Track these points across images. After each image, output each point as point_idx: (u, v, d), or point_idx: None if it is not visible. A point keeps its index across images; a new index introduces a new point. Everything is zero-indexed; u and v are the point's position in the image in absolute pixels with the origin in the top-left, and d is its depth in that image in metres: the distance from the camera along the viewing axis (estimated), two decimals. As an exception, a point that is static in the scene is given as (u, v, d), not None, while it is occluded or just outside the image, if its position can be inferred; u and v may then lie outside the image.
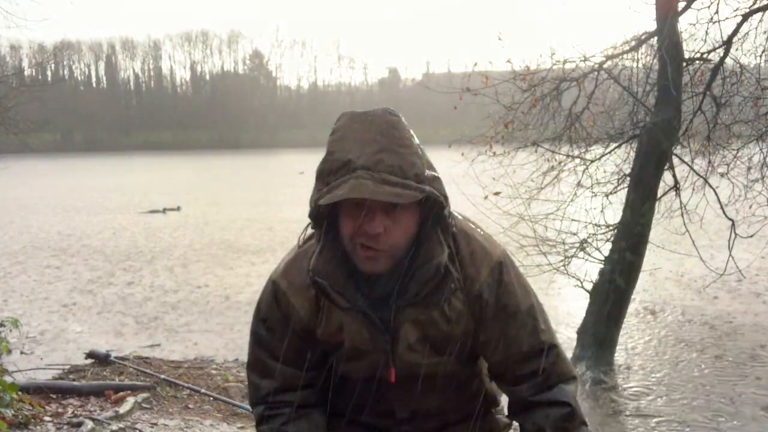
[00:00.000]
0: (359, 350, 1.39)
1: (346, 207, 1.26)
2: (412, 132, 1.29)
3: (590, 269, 6.00)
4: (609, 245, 5.74)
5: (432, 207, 1.30)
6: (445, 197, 1.30)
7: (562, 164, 6.35)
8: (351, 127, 1.26)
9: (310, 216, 1.31)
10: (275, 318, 1.42)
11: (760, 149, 6.24)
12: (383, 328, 1.35)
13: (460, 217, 1.45)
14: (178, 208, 18.53)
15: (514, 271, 1.43)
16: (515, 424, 1.58)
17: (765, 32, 5.96)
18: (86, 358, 5.42)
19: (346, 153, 1.22)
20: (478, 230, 1.45)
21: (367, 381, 1.43)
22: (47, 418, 3.83)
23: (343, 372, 1.45)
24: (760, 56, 6.00)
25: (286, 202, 19.76)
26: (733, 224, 5.92)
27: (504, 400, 1.60)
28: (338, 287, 1.32)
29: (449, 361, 1.41)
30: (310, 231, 1.41)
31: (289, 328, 1.41)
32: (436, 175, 1.29)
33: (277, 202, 19.89)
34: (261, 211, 18.15)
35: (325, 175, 1.25)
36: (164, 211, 18.15)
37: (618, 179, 6.21)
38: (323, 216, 1.31)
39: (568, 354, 5.74)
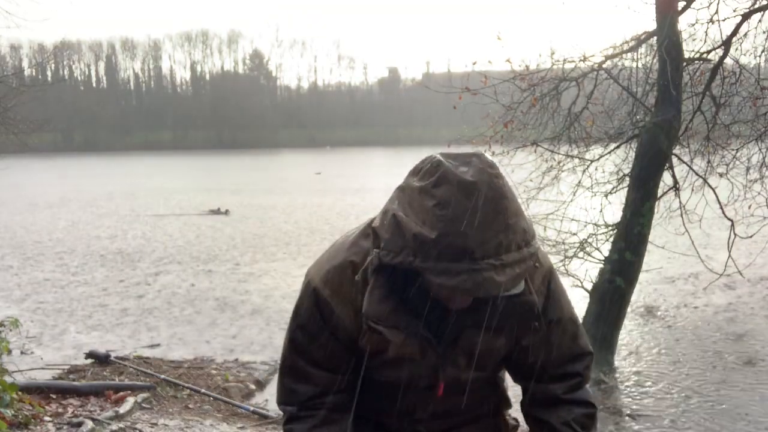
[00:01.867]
0: (403, 360, 1.38)
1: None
2: (509, 184, 1.22)
3: (590, 269, 6.00)
4: (609, 245, 5.74)
5: None
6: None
7: (562, 164, 6.36)
8: (461, 204, 1.15)
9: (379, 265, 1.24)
10: (316, 325, 1.39)
11: (759, 149, 6.24)
12: (437, 344, 1.35)
13: None
14: (227, 212, 18.01)
15: (558, 279, 1.46)
16: (523, 425, 1.59)
17: (764, 32, 5.98)
18: (86, 358, 5.43)
19: (464, 239, 1.14)
20: None
21: (395, 384, 1.43)
22: (47, 418, 3.84)
23: (376, 376, 1.44)
24: (760, 56, 6.01)
25: (319, 203, 19.88)
26: (732, 224, 5.93)
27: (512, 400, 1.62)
28: (393, 323, 1.29)
29: (485, 374, 1.45)
30: (351, 227, 1.42)
31: (331, 336, 1.38)
32: (531, 221, 1.27)
33: (314, 204, 19.77)
34: (295, 211, 18.15)
35: (435, 254, 1.15)
36: (226, 212, 17.78)
37: (618, 179, 6.21)
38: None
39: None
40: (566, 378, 1.46)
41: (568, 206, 6.25)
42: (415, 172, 1.23)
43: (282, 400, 1.47)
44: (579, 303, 6.59)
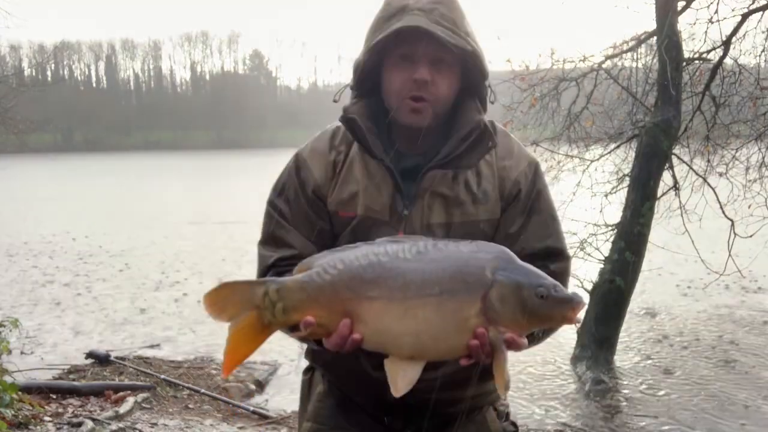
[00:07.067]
0: (371, 219, 1.37)
1: (393, 61, 1.33)
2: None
3: (590, 269, 6.00)
4: (609, 245, 5.74)
5: (472, 77, 1.38)
6: (486, 70, 1.38)
7: (562, 164, 6.36)
8: None
9: (355, 76, 1.39)
10: (292, 187, 1.44)
11: (759, 149, 6.25)
12: (403, 192, 1.37)
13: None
14: None
15: (543, 178, 1.50)
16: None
17: (764, 32, 5.99)
18: (86, 358, 5.43)
19: (403, 0, 1.31)
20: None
21: None
22: (47, 418, 3.84)
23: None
24: (759, 56, 6.02)
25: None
26: (732, 224, 5.93)
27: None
28: (372, 134, 1.37)
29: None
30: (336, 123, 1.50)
31: (303, 194, 1.43)
32: (480, 47, 1.37)
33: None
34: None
35: (382, 22, 1.32)
36: None
37: (618, 179, 6.21)
38: (364, 81, 1.38)
39: (568, 354, 5.79)
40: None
41: (568, 206, 6.25)
42: None
43: (259, 272, 1.47)
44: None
